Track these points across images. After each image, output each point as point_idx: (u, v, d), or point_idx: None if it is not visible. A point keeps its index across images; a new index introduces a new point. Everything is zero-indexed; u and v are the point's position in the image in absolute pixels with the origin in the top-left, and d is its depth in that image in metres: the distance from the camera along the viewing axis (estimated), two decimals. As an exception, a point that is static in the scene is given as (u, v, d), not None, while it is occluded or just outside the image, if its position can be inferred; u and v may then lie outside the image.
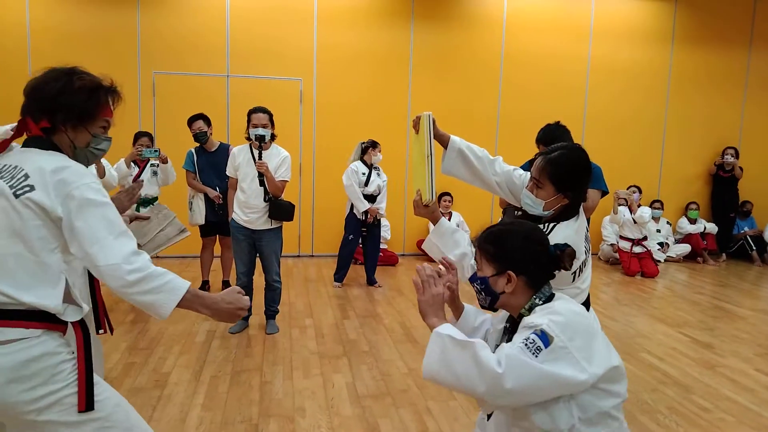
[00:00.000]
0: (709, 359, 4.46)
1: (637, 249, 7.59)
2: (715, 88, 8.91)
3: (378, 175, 6.46)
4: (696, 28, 8.74)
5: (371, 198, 6.39)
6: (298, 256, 8.04)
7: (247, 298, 1.89)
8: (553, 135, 3.51)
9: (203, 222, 5.80)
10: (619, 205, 7.55)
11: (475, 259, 1.90)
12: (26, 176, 1.68)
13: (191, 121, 5.68)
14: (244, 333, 4.76)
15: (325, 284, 6.51)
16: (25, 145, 1.80)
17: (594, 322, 1.77)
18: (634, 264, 7.46)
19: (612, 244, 8.16)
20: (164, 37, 7.37)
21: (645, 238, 7.68)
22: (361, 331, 4.90)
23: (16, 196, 1.66)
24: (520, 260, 1.72)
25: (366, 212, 6.30)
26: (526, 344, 1.54)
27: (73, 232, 1.66)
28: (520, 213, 3.80)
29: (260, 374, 3.93)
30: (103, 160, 4.99)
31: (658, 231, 8.36)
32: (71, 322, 1.74)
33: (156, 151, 5.39)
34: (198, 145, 5.77)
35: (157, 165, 5.58)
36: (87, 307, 1.81)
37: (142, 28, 7.33)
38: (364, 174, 6.37)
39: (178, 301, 1.71)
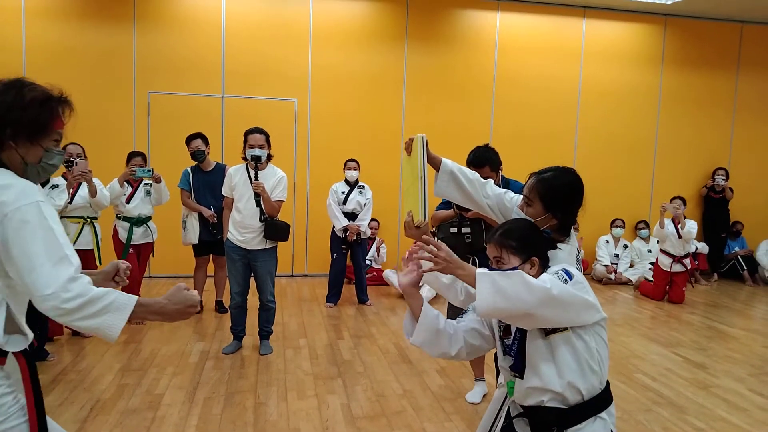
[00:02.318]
0: (703, 379, 4.46)
1: (677, 267, 7.15)
2: (704, 109, 9.03)
3: (360, 193, 6.53)
4: (685, 51, 8.88)
5: (352, 216, 6.46)
6: (292, 275, 8.02)
7: (195, 292, 1.79)
8: (483, 157, 3.60)
9: (197, 241, 5.79)
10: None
11: (489, 258, 2.02)
12: None
13: (189, 140, 5.71)
14: (238, 354, 4.73)
15: (319, 304, 6.50)
16: None
17: None
18: (661, 289, 7.20)
19: (606, 265, 8.20)
20: (160, 57, 7.41)
21: (687, 255, 7.21)
22: (356, 352, 4.88)
23: None
24: (535, 246, 1.97)
25: (346, 230, 6.36)
26: (556, 275, 1.81)
27: (9, 256, 1.54)
28: (454, 230, 3.86)
29: (254, 395, 3.90)
30: (96, 180, 5.00)
31: (649, 251, 8.41)
32: (13, 353, 1.63)
33: (149, 170, 5.39)
34: (194, 164, 5.79)
35: (151, 184, 5.58)
36: (32, 334, 1.70)
37: (138, 48, 7.36)
38: (343, 192, 6.50)
39: (126, 318, 1.61)
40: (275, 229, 4.65)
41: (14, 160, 1.67)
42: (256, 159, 4.56)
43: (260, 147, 4.58)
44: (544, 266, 1.97)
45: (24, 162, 1.68)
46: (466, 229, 3.83)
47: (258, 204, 4.59)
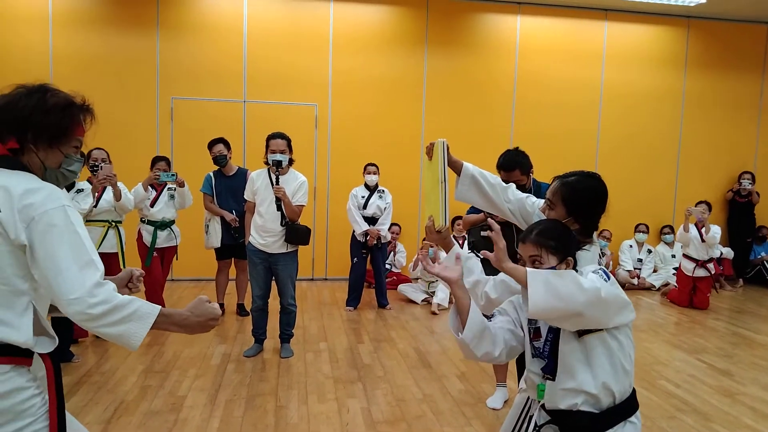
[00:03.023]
0: (729, 387, 4.39)
1: (700, 272, 7.00)
2: (729, 113, 8.90)
3: (380, 197, 6.55)
4: (709, 54, 8.76)
5: (372, 220, 6.48)
6: (312, 279, 8.05)
7: (216, 305, 1.80)
8: (513, 161, 3.58)
9: (219, 245, 5.85)
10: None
11: (522, 258, 2.00)
12: None
13: (211, 145, 5.78)
14: (259, 356, 4.77)
15: (339, 308, 6.52)
16: None
17: None
18: (686, 295, 7.05)
19: (629, 270, 8.10)
20: (183, 64, 7.51)
21: (711, 260, 7.06)
22: (376, 356, 4.89)
23: None
24: (570, 246, 1.96)
25: (366, 234, 6.38)
26: (597, 274, 1.83)
27: (35, 259, 1.56)
28: (486, 233, 3.84)
29: (275, 398, 3.93)
30: (120, 184, 5.08)
31: (673, 256, 8.30)
32: (40, 354, 1.65)
33: (173, 175, 5.47)
34: (216, 168, 5.85)
35: (174, 189, 5.66)
36: (56, 337, 1.72)
37: (161, 55, 7.47)
38: (363, 197, 6.53)
39: (149, 328, 1.62)
40: (296, 233, 4.69)
41: (34, 164, 1.69)
42: (277, 164, 4.60)
43: (281, 152, 4.62)
44: (574, 267, 1.98)
45: (44, 166, 1.70)
46: None
47: (279, 208, 4.63)
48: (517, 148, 3.68)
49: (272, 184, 4.64)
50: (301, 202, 4.73)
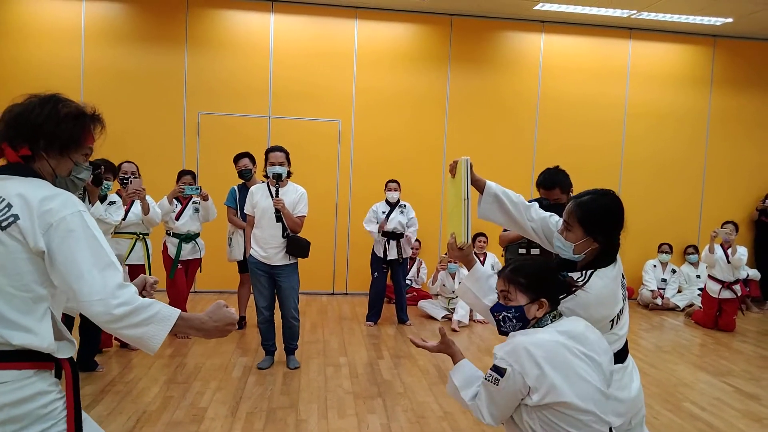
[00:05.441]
0: (756, 411, 4.30)
1: (726, 294, 6.87)
2: (754, 132, 8.77)
3: (401, 212, 6.56)
4: (734, 73, 8.67)
5: (393, 236, 6.47)
6: (333, 294, 8.08)
7: (233, 310, 1.82)
8: (553, 179, 3.56)
9: (242, 258, 5.90)
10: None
11: (498, 291, 2.07)
12: (9, 206, 1.60)
13: (237, 159, 5.87)
14: (279, 369, 4.79)
15: (359, 323, 6.53)
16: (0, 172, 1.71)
17: (565, 351, 1.88)
18: (711, 317, 6.93)
19: (652, 290, 7.99)
20: (209, 80, 7.65)
21: (737, 282, 6.91)
22: (396, 372, 4.88)
23: (2, 228, 1.58)
24: (546, 288, 1.97)
25: (387, 242, 6.40)
26: (487, 378, 1.94)
27: (55, 264, 1.59)
28: (523, 251, 3.84)
29: (296, 412, 3.94)
30: (148, 197, 5.16)
31: (698, 277, 8.17)
32: (61, 359, 1.68)
33: (198, 188, 5.55)
34: (241, 182, 5.93)
35: (199, 202, 5.74)
36: (75, 341, 1.76)
37: (189, 71, 7.62)
38: (383, 213, 6.54)
39: (168, 331, 1.65)
40: (297, 245, 4.74)
41: (46, 171, 1.72)
42: (278, 176, 4.67)
43: (280, 164, 4.69)
44: (553, 307, 1.99)
45: (54, 174, 1.74)
46: (535, 250, 3.82)
47: (279, 220, 4.69)
48: (557, 166, 3.68)
49: (272, 197, 4.70)
50: (302, 213, 4.80)
